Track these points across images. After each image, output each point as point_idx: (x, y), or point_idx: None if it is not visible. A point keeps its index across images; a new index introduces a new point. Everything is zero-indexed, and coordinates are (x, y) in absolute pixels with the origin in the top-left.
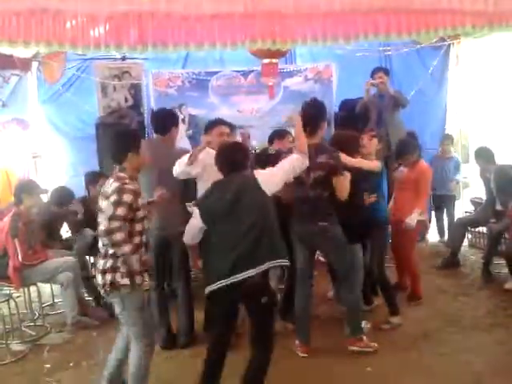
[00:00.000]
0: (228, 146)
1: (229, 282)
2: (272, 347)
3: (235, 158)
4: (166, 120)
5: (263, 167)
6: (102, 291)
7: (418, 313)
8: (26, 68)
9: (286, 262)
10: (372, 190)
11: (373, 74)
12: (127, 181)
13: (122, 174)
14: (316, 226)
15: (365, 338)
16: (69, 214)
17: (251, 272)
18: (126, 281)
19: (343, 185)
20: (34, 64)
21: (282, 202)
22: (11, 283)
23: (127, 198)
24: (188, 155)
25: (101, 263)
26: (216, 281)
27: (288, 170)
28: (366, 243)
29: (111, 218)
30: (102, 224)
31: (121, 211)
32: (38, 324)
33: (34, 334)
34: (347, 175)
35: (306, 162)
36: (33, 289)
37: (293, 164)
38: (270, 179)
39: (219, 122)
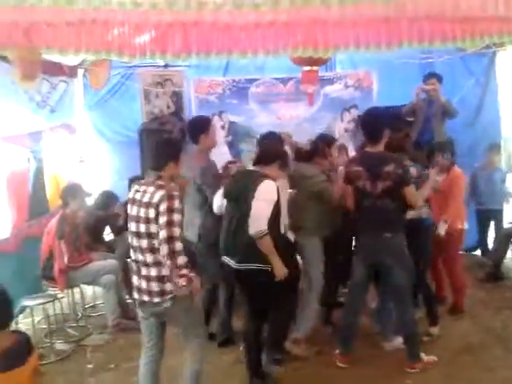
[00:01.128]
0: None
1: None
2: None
3: (262, 152)
4: (193, 129)
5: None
6: (147, 298)
7: (461, 326)
8: (73, 75)
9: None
10: None
11: (425, 79)
12: (171, 187)
13: (161, 182)
14: (381, 238)
15: (423, 355)
16: (111, 218)
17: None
18: (174, 288)
19: (412, 194)
20: (80, 71)
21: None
22: (56, 284)
23: (177, 204)
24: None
25: (143, 271)
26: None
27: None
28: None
29: (171, 225)
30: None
31: (176, 218)
32: (80, 325)
33: (76, 334)
34: (411, 187)
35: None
36: (76, 290)
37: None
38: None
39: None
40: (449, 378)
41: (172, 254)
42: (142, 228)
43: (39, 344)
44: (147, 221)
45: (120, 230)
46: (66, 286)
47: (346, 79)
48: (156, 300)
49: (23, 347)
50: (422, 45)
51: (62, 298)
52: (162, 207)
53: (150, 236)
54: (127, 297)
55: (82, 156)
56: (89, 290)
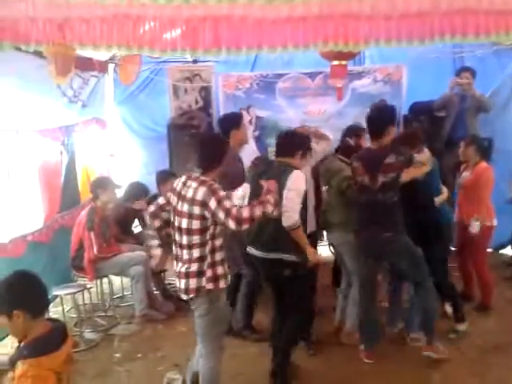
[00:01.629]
0: (284, 132)
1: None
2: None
3: (283, 144)
4: (224, 124)
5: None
6: (184, 296)
7: (488, 324)
8: (104, 70)
9: (287, 258)
10: (435, 190)
11: (458, 73)
12: (212, 182)
13: (205, 178)
14: (383, 236)
15: (438, 344)
16: (140, 210)
17: (255, 252)
18: (211, 285)
19: (409, 174)
20: (111, 66)
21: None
22: (86, 274)
23: (222, 193)
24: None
25: (183, 267)
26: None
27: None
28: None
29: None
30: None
31: (228, 204)
32: (108, 314)
33: (105, 324)
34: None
35: None
36: (104, 281)
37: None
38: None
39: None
40: (476, 377)
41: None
42: (184, 223)
43: (69, 333)
44: (190, 216)
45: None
46: (95, 276)
47: (376, 74)
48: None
49: (58, 334)
50: (455, 39)
51: (90, 288)
52: (213, 204)
53: (189, 232)
54: (154, 288)
55: (112, 150)
56: (117, 280)
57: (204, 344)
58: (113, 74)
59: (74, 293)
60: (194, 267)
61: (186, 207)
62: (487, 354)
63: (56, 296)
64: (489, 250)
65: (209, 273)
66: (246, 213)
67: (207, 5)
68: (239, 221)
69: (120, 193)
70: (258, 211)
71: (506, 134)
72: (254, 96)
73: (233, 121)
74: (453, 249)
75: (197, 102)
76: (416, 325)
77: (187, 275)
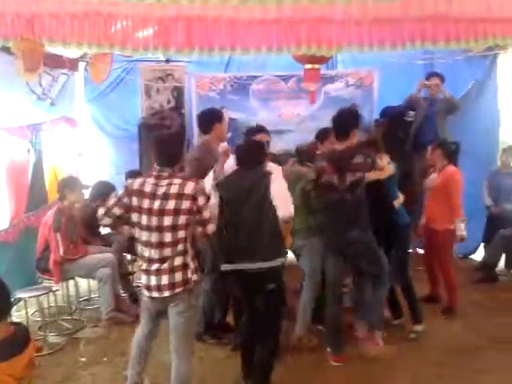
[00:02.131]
0: (245, 143)
1: (234, 268)
2: (273, 344)
3: (250, 155)
4: (208, 117)
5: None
6: (166, 293)
7: (454, 327)
8: (74, 68)
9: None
10: (394, 193)
11: (428, 77)
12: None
13: (183, 174)
14: (352, 235)
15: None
16: None
17: (247, 266)
18: (196, 277)
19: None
20: (81, 64)
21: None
22: (51, 276)
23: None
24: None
25: (165, 264)
26: (225, 263)
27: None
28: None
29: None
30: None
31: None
32: (74, 318)
33: (70, 327)
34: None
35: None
36: (71, 283)
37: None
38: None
39: (261, 129)
40: (441, 379)
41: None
42: (167, 221)
43: (32, 337)
44: (176, 213)
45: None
46: (61, 278)
47: (348, 78)
48: (178, 290)
49: (21, 338)
50: (425, 45)
51: (56, 290)
52: (202, 201)
53: (175, 229)
54: (122, 291)
55: (81, 149)
56: (84, 283)
57: (183, 345)
58: (83, 72)
59: (39, 295)
60: (179, 261)
61: (169, 204)
62: (453, 356)
63: (20, 299)
64: (460, 256)
65: (192, 265)
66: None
67: (179, 5)
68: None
69: (87, 193)
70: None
71: (475, 138)
72: (228, 97)
73: (217, 114)
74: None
75: (169, 102)
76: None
77: (172, 270)
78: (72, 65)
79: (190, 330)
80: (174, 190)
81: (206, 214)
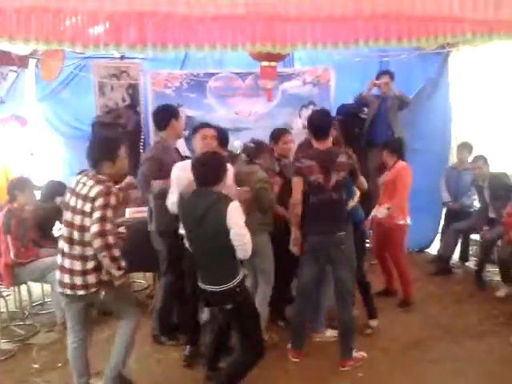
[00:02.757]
0: (200, 159)
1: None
2: (250, 353)
3: (206, 174)
4: (164, 113)
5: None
6: (82, 292)
7: (410, 320)
8: (24, 65)
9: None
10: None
11: (378, 76)
12: (110, 184)
13: (102, 177)
14: (335, 236)
15: (354, 352)
16: (59, 213)
17: (209, 288)
18: (108, 277)
19: (362, 181)
20: (32, 61)
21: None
22: (2, 281)
23: (114, 201)
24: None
25: (77, 264)
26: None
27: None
28: None
29: (103, 220)
30: (90, 226)
31: (110, 214)
32: (27, 323)
33: (23, 333)
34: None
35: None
36: (23, 287)
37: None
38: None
39: (204, 125)
40: (398, 371)
41: (107, 248)
42: (77, 220)
43: None
44: (82, 213)
45: None
46: (12, 282)
47: (305, 76)
48: (80, 293)
49: None
50: (378, 43)
51: (8, 295)
52: (98, 203)
53: (83, 229)
54: None
55: (33, 149)
56: (37, 287)
57: (119, 336)
58: (34, 70)
59: None
60: (92, 264)
61: (79, 203)
62: (410, 349)
63: None
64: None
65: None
66: (110, 239)
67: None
68: (102, 233)
69: (39, 194)
70: (115, 253)
71: (429, 134)
72: (184, 95)
73: (173, 111)
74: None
75: (124, 100)
76: (321, 322)
77: (85, 272)
78: (22, 62)
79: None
80: (84, 191)
81: (94, 215)
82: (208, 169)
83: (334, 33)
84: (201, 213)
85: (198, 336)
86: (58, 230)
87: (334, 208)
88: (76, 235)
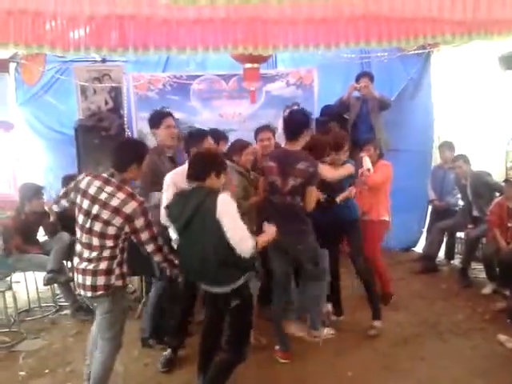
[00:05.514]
0: (195, 154)
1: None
2: (238, 352)
3: (197, 168)
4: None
5: None
6: (89, 293)
7: (397, 318)
8: (4, 69)
9: (226, 291)
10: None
11: (358, 78)
12: (135, 194)
13: (121, 184)
14: (291, 236)
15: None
16: (43, 217)
17: (203, 287)
18: (120, 282)
19: (312, 195)
20: (12, 65)
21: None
22: None
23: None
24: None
25: (91, 265)
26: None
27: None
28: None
29: (150, 226)
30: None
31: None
32: (13, 330)
33: (8, 340)
34: (314, 188)
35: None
36: (8, 294)
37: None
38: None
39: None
40: (387, 370)
41: (158, 249)
42: (97, 227)
43: None
44: (107, 223)
45: (54, 231)
46: None
47: (288, 77)
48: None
49: None
50: (359, 45)
51: None
52: (140, 223)
53: (103, 236)
54: (64, 299)
55: (15, 154)
56: (23, 293)
57: (103, 341)
58: (14, 74)
59: None
60: (104, 265)
61: (104, 213)
62: (397, 347)
63: None
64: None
65: (117, 271)
66: (165, 250)
67: (110, 2)
68: (159, 249)
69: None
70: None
71: (411, 134)
72: (168, 97)
73: (151, 120)
74: None
75: (106, 103)
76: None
77: (95, 273)
78: (1, 66)
79: (109, 327)
80: (114, 202)
81: (143, 236)
82: (196, 164)
83: (315, 34)
84: (192, 208)
85: (182, 341)
86: (43, 235)
87: (288, 211)
88: (96, 241)
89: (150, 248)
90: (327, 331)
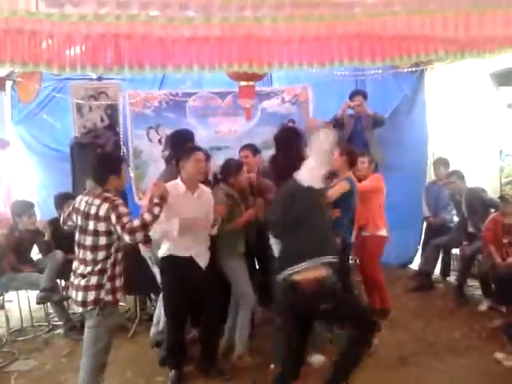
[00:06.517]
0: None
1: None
2: (362, 325)
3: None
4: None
5: None
6: (80, 308)
7: (393, 336)
8: (0, 88)
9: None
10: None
11: (351, 96)
12: (114, 198)
13: (107, 194)
14: None
15: None
16: (37, 236)
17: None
18: (110, 297)
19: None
20: (8, 83)
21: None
22: None
23: (124, 209)
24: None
25: (83, 280)
26: None
27: None
28: None
29: (125, 217)
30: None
31: (126, 219)
32: (5, 350)
33: (0, 360)
34: None
35: None
36: (0, 313)
37: None
38: None
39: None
40: None
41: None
42: (88, 241)
43: None
44: (95, 233)
45: (48, 249)
46: None
47: (283, 94)
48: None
49: None
50: (353, 63)
51: None
52: (113, 219)
53: (95, 249)
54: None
55: (12, 171)
56: (15, 312)
57: (85, 359)
58: (10, 92)
59: None
60: (95, 280)
61: (90, 224)
62: (394, 366)
63: None
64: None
65: (108, 285)
66: (136, 222)
67: (105, 22)
68: (131, 231)
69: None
70: (147, 217)
71: (406, 151)
72: (164, 114)
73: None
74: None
75: (102, 120)
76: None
77: (86, 288)
78: None
79: (93, 342)
80: (93, 210)
81: (118, 229)
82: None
83: (309, 53)
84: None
85: (183, 358)
86: (37, 254)
87: None
88: (89, 255)
89: (126, 237)
90: (319, 359)
